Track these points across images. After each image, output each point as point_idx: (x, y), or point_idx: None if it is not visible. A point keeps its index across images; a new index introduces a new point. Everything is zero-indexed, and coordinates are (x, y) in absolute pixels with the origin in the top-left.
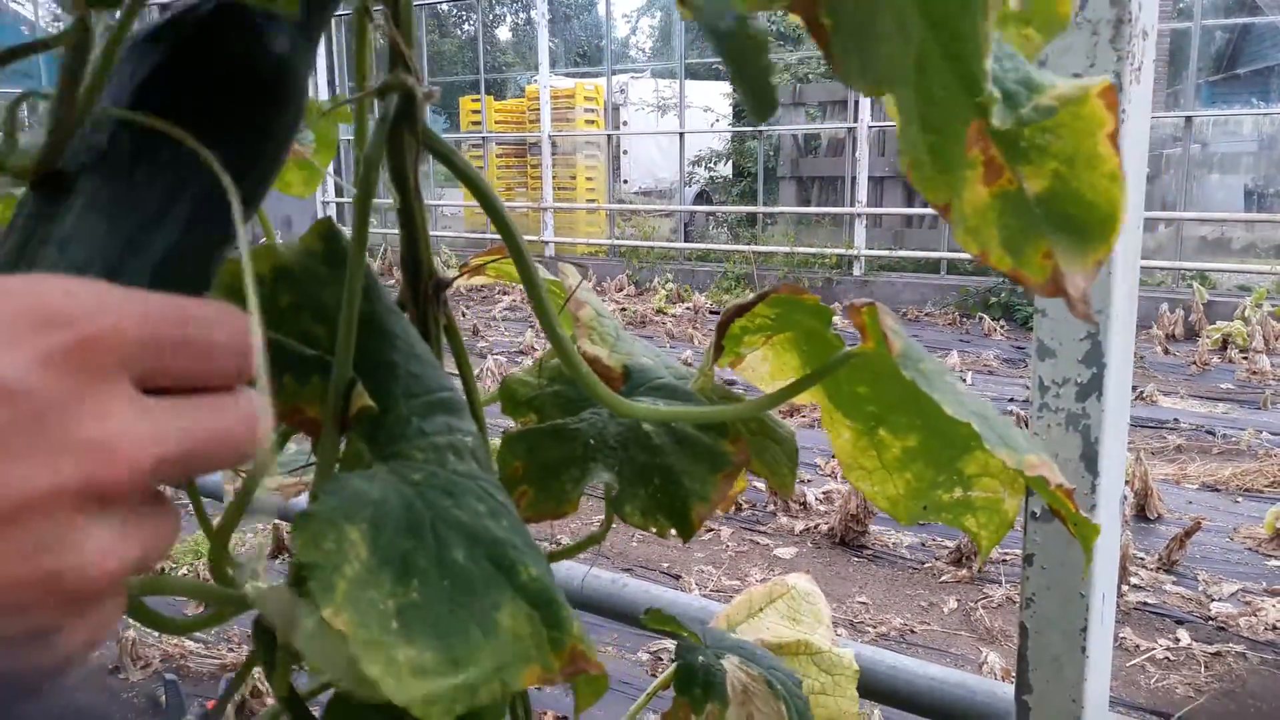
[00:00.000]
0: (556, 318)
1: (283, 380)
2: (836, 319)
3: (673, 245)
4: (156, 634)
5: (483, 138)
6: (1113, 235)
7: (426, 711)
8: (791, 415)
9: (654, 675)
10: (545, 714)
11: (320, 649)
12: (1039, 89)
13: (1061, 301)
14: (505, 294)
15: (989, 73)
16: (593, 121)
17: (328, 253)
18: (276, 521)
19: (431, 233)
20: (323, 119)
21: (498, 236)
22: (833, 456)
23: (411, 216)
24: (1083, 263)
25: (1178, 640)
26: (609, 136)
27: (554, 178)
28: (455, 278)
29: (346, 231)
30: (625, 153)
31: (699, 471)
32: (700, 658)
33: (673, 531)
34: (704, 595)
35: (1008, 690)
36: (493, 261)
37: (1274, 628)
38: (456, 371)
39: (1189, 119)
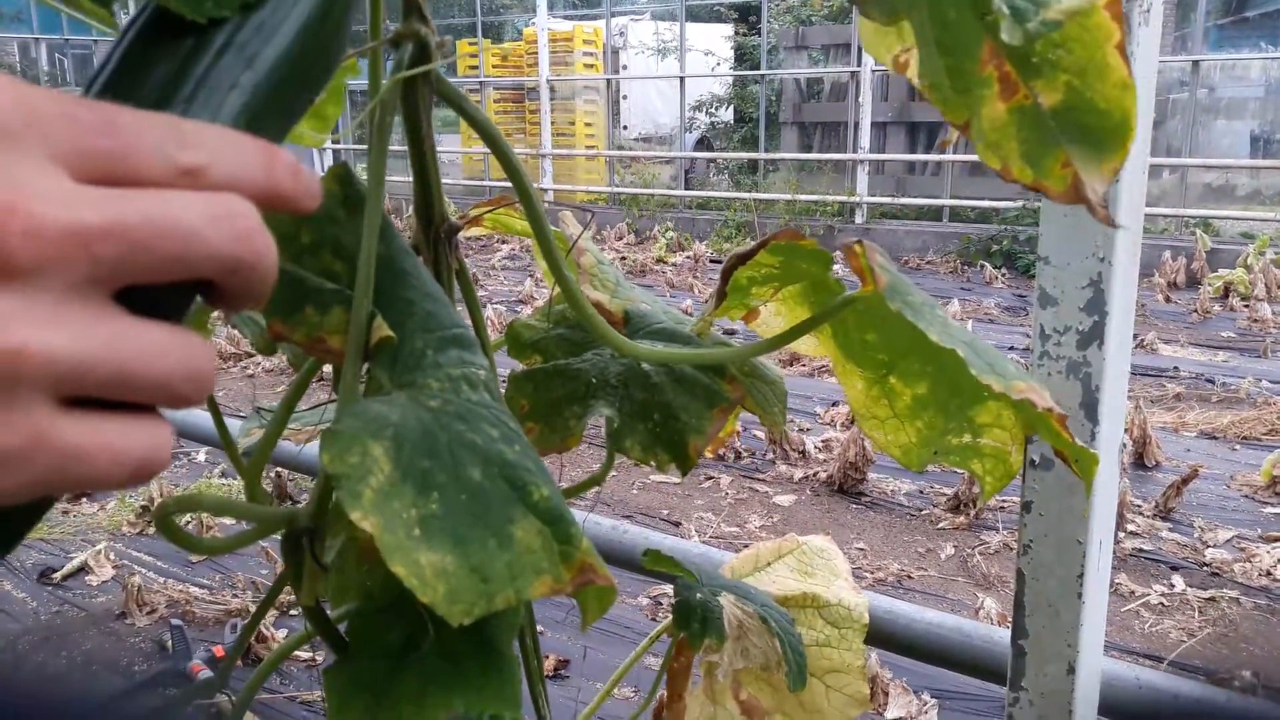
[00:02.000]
0: (564, 261)
1: (305, 311)
2: (839, 267)
3: (673, 193)
4: (162, 580)
5: (480, 82)
6: (1128, 141)
7: (449, 610)
8: (791, 364)
9: (654, 619)
10: (548, 656)
11: None
12: (1045, 3)
13: (1064, 249)
14: (504, 243)
15: None
16: (591, 65)
17: (345, 195)
18: (279, 470)
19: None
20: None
21: (496, 184)
22: (832, 405)
23: (424, 163)
24: (1100, 170)
25: (1172, 586)
26: (608, 81)
27: (552, 124)
28: (466, 223)
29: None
30: (625, 98)
31: (696, 407)
32: (698, 595)
33: (672, 466)
34: (703, 542)
35: (1004, 635)
36: (492, 211)
37: (1268, 573)
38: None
39: (1196, 63)
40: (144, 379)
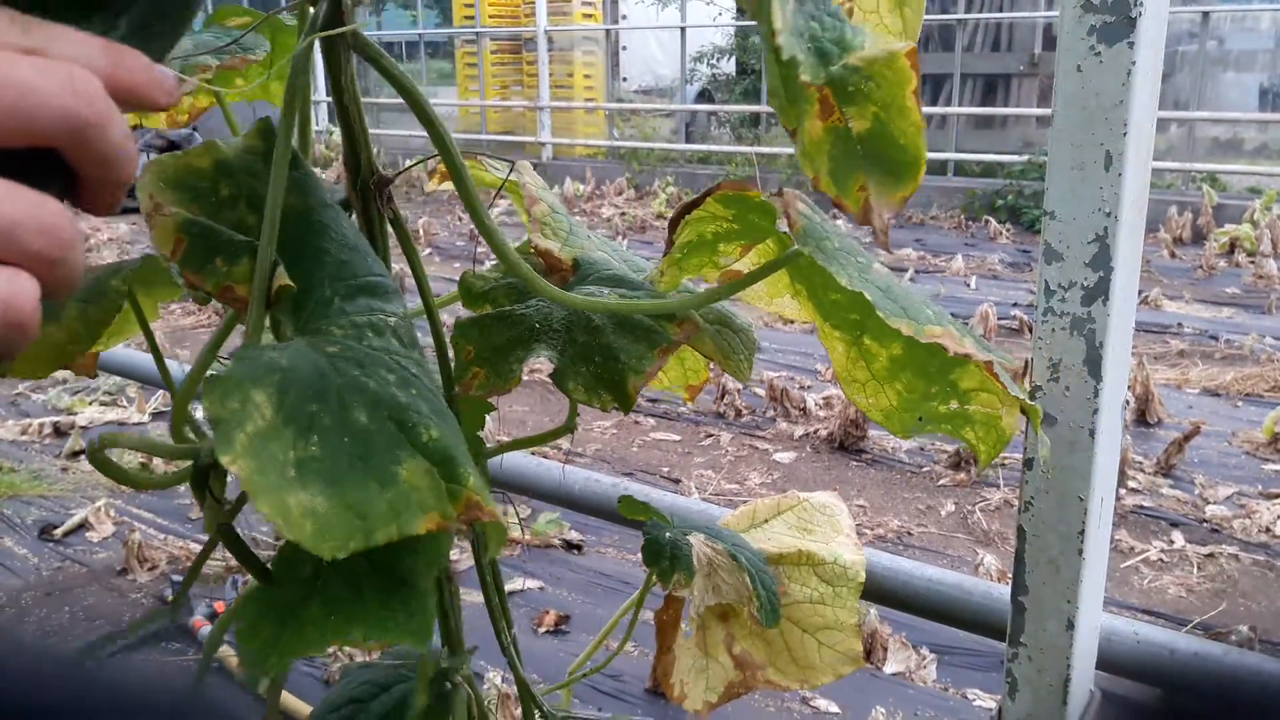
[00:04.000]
0: (486, 211)
1: (215, 262)
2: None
3: (673, 147)
4: (163, 536)
5: (476, 33)
6: (917, 177)
7: (317, 546)
8: (790, 321)
9: None
10: (548, 612)
11: None
12: (849, 49)
13: (1070, 204)
14: (503, 198)
15: (779, 30)
16: (590, 15)
17: (266, 149)
18: None
19: (421, 133)
20: (282, 31)
21: (492, 137)
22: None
23: (349, 117)
24: (890, 199)
25: (1172, 542)
26: (607, 31)
27: (550, 75)
28: (396, 175)
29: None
30: (624, 49)
31: (637, 349)
32: (667, 534)
33: (615, 406)
34: (704, 499)
35: (1003, 591)
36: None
37: (1267, 530)
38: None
39: (1206, 14)
40: None
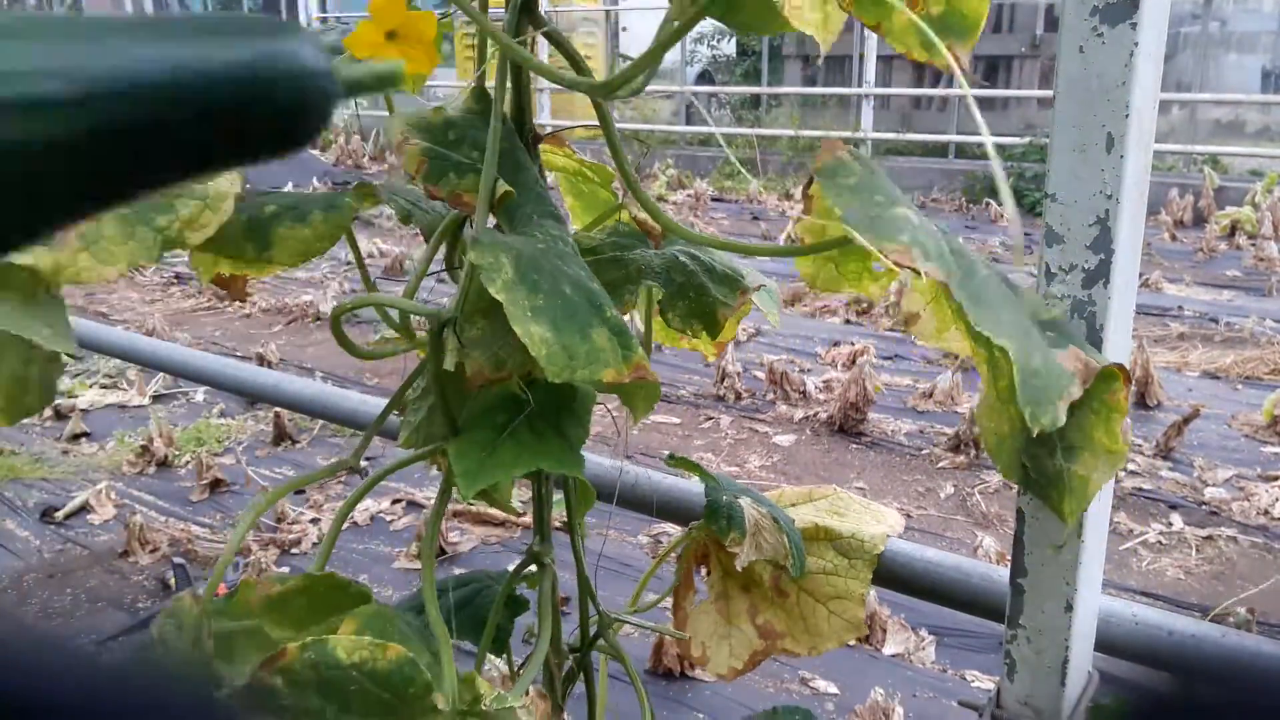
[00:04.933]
0: (635, 174)
1: (449, 176)
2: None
3: (673, 129)
4: (163, 519)
5: None
6: (978, 32)
7: (547, 365)
8: (792, 304)
9: (653, 557)
10: None
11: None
12: None
13: (1071, 186)
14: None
15: None
16: None
17: (481, 109)
18: (277, 410)
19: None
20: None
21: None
22: (833, 345)
23: (520, 85)
24: (965, 48)
25: (1170, 525)
26: (607, 12)
27: (550, 57)
28: (552, 133)
29: None
30: (624, 30)
31: (723, 289)
32: (724, 496)
33: (704, 333)
34: None
35: (1002, 573)
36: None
37: (1265, 512)
38: None
39: None
40: None
